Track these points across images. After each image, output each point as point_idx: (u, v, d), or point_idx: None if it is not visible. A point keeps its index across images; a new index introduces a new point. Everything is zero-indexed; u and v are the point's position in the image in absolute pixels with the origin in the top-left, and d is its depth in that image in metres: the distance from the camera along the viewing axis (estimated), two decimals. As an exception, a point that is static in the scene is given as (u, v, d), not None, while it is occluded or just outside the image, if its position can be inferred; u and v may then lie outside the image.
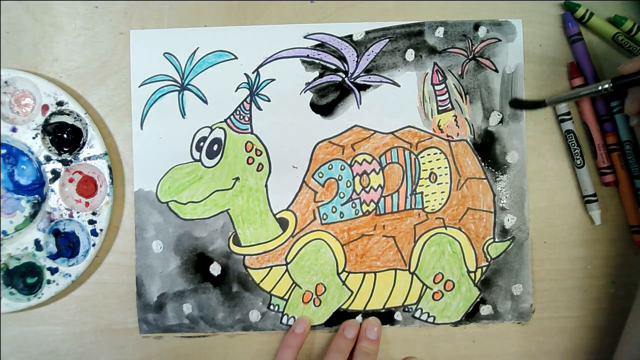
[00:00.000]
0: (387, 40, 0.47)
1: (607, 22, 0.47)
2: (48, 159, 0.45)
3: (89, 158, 0.45)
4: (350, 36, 0.46)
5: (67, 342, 0.47)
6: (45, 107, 0.44)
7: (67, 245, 0.46)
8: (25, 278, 0.45)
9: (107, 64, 0.46)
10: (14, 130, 0.44)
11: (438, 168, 0.47)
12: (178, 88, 0.46)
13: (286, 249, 0.47)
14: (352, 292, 0.47)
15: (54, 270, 0.45)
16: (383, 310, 0.47)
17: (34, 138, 0.45)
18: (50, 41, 0.46)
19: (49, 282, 0.45)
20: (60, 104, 0.44)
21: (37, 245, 0.45)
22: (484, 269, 0.47)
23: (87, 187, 0.46)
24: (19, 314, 0.46)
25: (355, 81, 0.47)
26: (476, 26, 0.47)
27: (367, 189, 0.47)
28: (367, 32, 0.47)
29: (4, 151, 0.45)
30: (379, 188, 0.47)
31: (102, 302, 0.47)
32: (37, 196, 0.45)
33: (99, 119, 0.46)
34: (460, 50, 0.47)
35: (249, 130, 0.46)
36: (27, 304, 0.45)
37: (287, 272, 0.47)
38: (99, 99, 0.46)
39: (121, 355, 0.47)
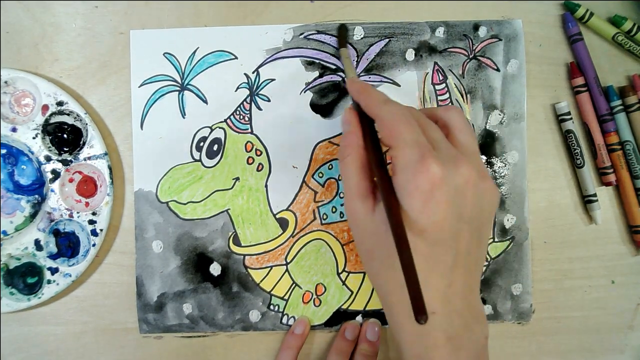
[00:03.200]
0: (387, 40, 0.47)
1: (607, 22, 0.47)
2: (48, 159, 0.45)
3: (89, 158, 0.45)
4: (351, 36, 0.46)
5: (67, 342, 0.47)
6: (45, 107, 0.44)
7: (67, 245, 0.46)
8: (25, 278, 0.45)
9: (107, 64, 0.46)
10: (14, 130, 0.44)
11: (438, 168, 0.47)
12: (178, 88, 0.46)
13: (286, 249, 0.47)
14: (352, 292, 0.47)
15: (54, 270, 0.45)
16: (383, 310, 0.47)
17: (34, 138, 0.45)
18: (50, 41, 0.46)
19: (49, 282, 0.45)
20: (60, 104, 0.44)
21: (37, 245, 0.45)
22: (484, 268, 0.47)
23: (87, 187, 0.46)
24: (19, 314, 0.46)
25: (355, 81, 0.47)
26: (476, 26, 0.47)
27: (367, 189, 0.47)
28: (367, 32, 0.47)
29: (4, 151, 0.45)
30: (379, 188, 0.47)
31: (102, 302, 0.47)
32: (37, 196, 0.45)
33: (99, 119, 0.46)
34: (461, 49, 0.47)
35: (249, 130, 0.46)
36: (27, 304, 0.45)
37: (287, 272, 0.47)
38: (99, 99, 0.46)
39: (121, 355, 0.47)
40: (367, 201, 0.34)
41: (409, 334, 0.32)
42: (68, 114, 0.45)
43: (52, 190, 0.45)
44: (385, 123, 0.33)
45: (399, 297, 0.32)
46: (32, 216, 0.45)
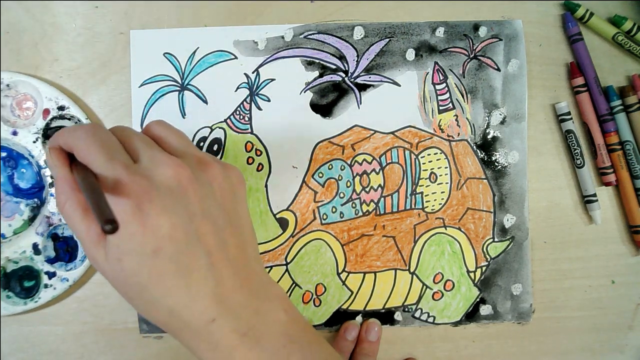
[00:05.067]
0: (387, 40, 0.47)
1: (607, 22, 0.47)
2: (48, 160, 0.45)
3: (89, 159, 0.45)
4: (351, 36, 0.46)
5: (67, 342, 0.47)
6: (46, 111, 0.44)
7: (65, 249, 0.46)
8: (22, 282, 0.45)
9: (107, 64, 0.46)
10: (14, 133, 0.44)
11: (438, 168, 0.47)
12: (178, 88, 0.46)
13: (286, 249, 0.47)
14: (352, 292, 0.47)
15: (51, 275, 0.45)
16: (383, 310, 0.47)
17: (34, 142, 0.44)
18: (50, 41, 0.46)
19: (46, 286, 0.45)
20: (61, 108, 0.44)
21: (35, 249, 0.45)
22: (484, 268, 0.47)
23: (87, 189, 0.45)
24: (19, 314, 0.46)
25: (355, 81, 0.47)
26: (476, 26, 0.47)
27: (367, 189, 0.47)
28: (367, 32, 0.46)
29: (4, 154, 0.45)
30: (379, 188, 0.47)
31: (102, 302, 0.47)
32: (36, 200, 0.45)
33: (99, 121, 0.46)
34: (461, 49, 0.47)
35: (249, 130, 0.46)
36: (23, 307, 0.44)
37: (287, 272, 0.47)
38: (98, 100, 0.46)
39: (121, 355, 0.47)
40: (102, 245, 0.30)
41: (205, 343, 0.30)
42: (69, 119, 0.45)
43: (52, 195, 0.45)
44: (79, 154, 0.30)
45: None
46: (31, 220, 0.45)
